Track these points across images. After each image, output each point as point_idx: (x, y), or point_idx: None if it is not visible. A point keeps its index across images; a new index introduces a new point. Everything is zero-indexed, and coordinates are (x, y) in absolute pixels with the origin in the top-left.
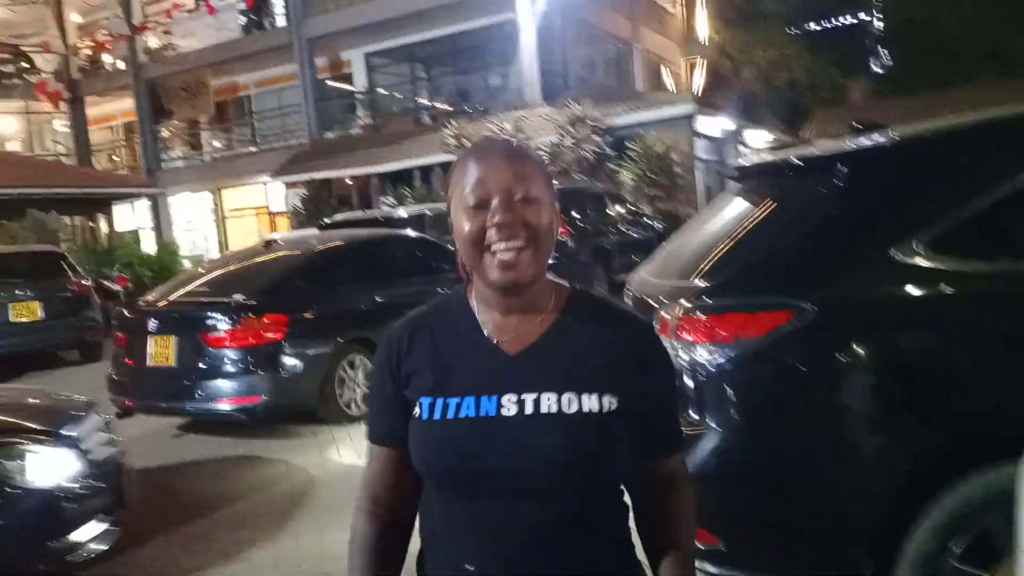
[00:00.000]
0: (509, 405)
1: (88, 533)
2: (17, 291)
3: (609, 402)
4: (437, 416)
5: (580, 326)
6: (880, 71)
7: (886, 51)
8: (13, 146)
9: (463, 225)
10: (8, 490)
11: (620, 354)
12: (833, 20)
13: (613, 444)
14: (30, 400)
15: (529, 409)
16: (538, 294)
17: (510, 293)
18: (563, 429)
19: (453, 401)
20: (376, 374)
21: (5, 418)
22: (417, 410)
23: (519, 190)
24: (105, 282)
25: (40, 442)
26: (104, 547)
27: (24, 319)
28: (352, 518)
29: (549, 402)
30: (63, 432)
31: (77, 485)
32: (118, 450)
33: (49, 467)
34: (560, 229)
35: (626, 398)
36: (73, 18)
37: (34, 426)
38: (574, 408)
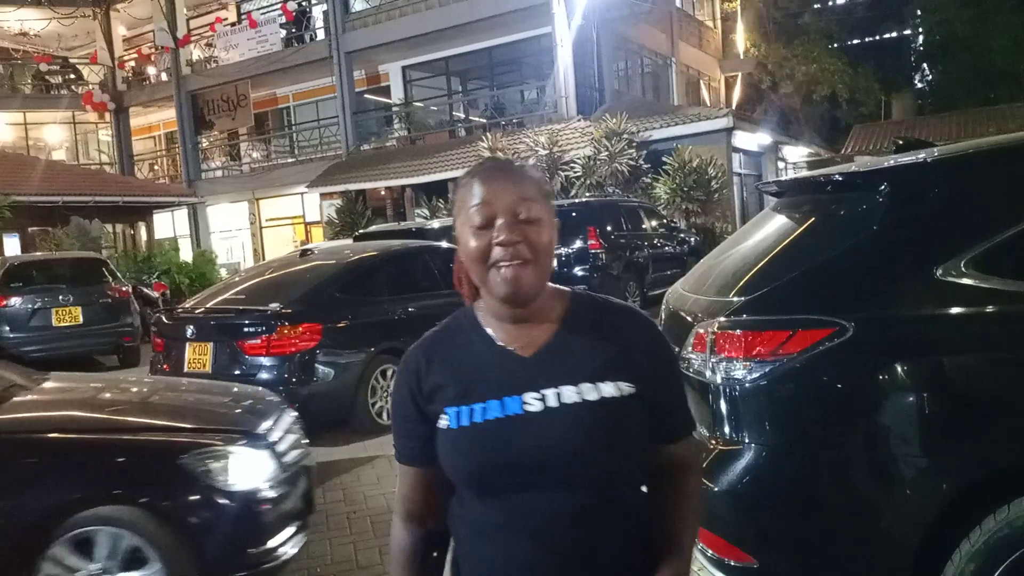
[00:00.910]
0: (532, 402)
1: (282, 538)
2: (60, 296)
3: (625, 387)
4: (465, 422)
5: (586, 323)
6: (923, 87)
7: (928, 67)
8: (59, 155)
9: (469, 242)
10: (213, 494)
11: (626, 342)
12: (875, 35)
13: (633, 427)
14: (224, 398)
15: (552, 402)
16: (543, 302)
17: (517, 305)
18: (585, 415)
19: (479, 407)
20: (398, 396)
21: (204, 418)
22: (444, 421)
23: (522, 210)
24: (144, 289)
25: (239, 443)
26: (294, 552)
27: (66, 324)
28: (391, 531)
29: (570, 393)
30: (259, 432)
31: (274, 488)
32: (305, 451)
33: (249, 469)
34: (592, 242)
35: (639, 382)
36: (120, 31)
37: (233, 427)
38: (594, 396)
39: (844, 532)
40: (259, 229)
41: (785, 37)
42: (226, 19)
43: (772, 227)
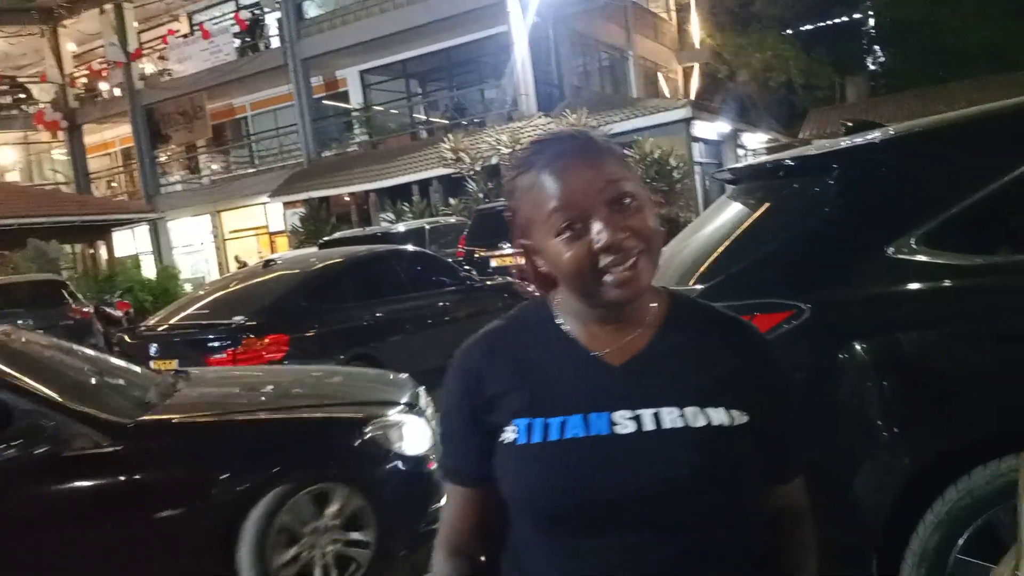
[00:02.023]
0: (623, 422)
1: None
2: (19, 321)
3: (738, 416)
4: (537, 439)
5: (690, 334)
6: (876, 69)
7: (881, 49)
8: (12, 176)
9: (562, 255)
10: (396, 460)
11: (739, 361)
12: (827, 20)
13: (746, 463)
14: (362, 378)
15: (649, 425)
16: (641, 300)
17: (624, 308)
18: (692, 445)
19: (555, 421)
20: (449, 403)
21: (362, 395)
22: (510, 434)
23: (615, 195)
24: (106, 308)
25: (405, 413)
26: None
27: None
28: (432, 566)
29: (672, 416)
30: (413, 403)
31: (434, 452)
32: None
33: (417, 436)
34: None
35: (753, 411)
36: (69, 47)
37: (391, 400)
38: (700, 422)
39: (813, 510)
40: (222, 242)
41: (739, 26)
42: (178, 31)
43: (729, 214)
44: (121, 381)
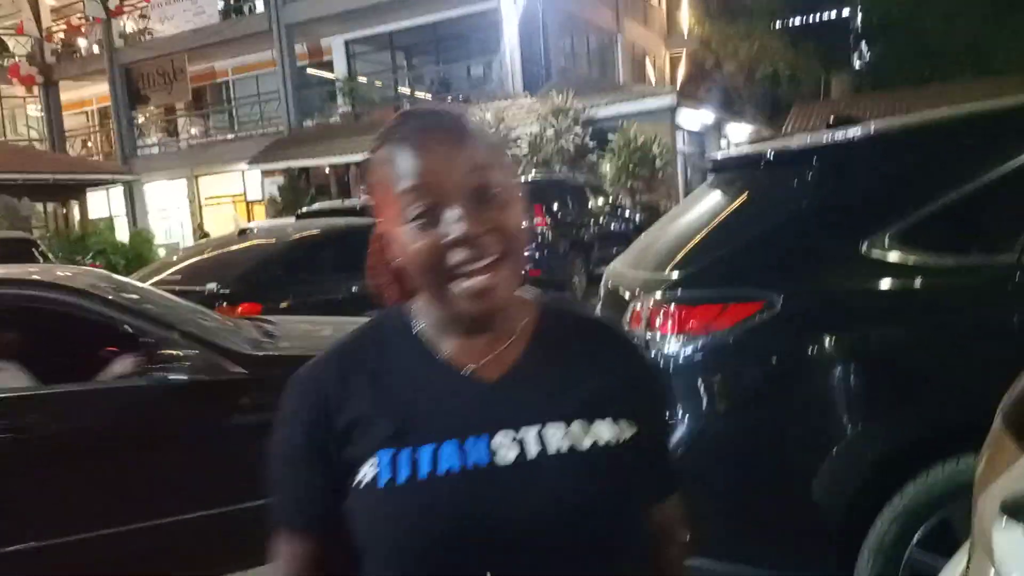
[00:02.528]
0: (505, 448)
1: None
2: None
3: (625, 429)
4: (404, 476)
5: (566, 343)
6: (860, 66)
7: (866, 46)
8: None
9: (410, 243)
10: None
11: (622, 372)
12: (815, 15)
13: (636, 481)
14: None
15: (533, 451)
16: (507, 309)
17: (481, 319)
18: (581, 470)
19: (426, 451)
20: (288, 439)
21: None
22: (370, 471)
23: (478, 184)
24: None
25: None
26: None
27: None
28: None
29: (557, 436)
30: None
31: None
32: None
33: None
34: (538, 220)
35: (640, 422)
36: (48, 0)
37: None
38: (588, 442)
39: (776, 502)
40: (199, 208)
41: (728, 15)
42: None
43: (708, 203)
44: (221, 321)
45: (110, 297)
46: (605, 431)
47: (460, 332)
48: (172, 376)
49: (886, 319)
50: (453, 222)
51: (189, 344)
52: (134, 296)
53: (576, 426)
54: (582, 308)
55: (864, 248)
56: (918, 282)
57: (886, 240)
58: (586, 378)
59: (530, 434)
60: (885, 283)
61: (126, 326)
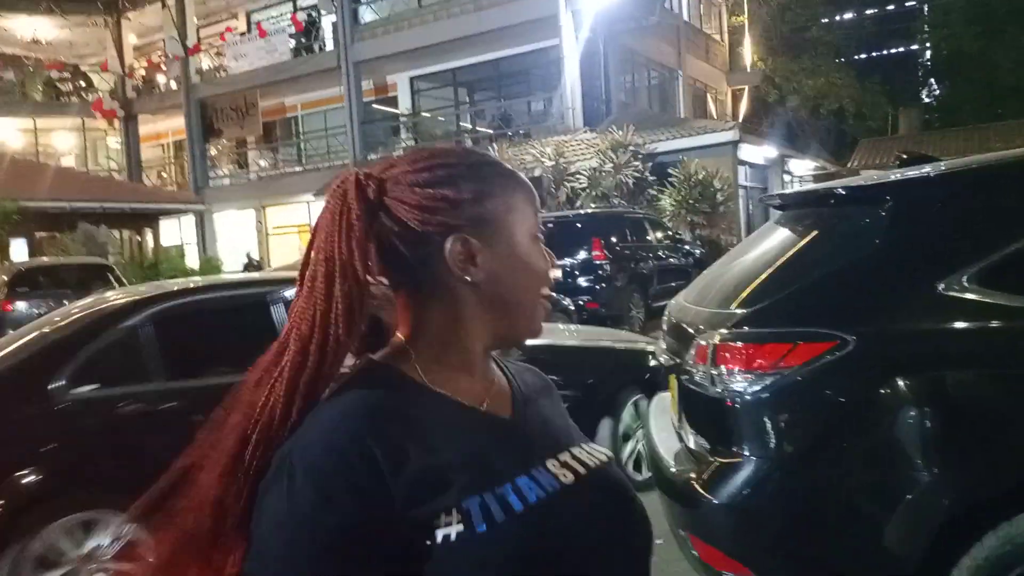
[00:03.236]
0: (559, 471)
1: None
2: (65, 301)
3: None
4: (501, 517)
5: (526, 383)
6: (930, 102)
7: (935, 82)
8: (68, 161)
9: (534, 259)
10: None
11: (562, 406)
12: (882, 50)
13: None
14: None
15: (581, 468)
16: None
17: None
18: (614, 474)
19: (506, 489)
20: (337, 514)
21: (620, 337)
22: (454, 526)
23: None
24: None
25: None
26: None
27: None
28: None
29: (584, 455)
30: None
31: None
32: None
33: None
34: (597, 253)
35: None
36: (130, 39)
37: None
38: (603, 457)
39: (844, 547)
40: (265, 237)
41: (792, 51)
42: (236, 28)
43: (775, 240)
44: None
45: None
46: (601, 449)
47: (470, 372)
48: None
49: (965, 361)
50: (551, 254)
51: None
52: None
53: (585, 446)
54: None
55: (942, 288)
56: (998, 324)
57: (964, 280)
58: (561, 412)
59: (568, 458)
60: (964, 324)
61: None
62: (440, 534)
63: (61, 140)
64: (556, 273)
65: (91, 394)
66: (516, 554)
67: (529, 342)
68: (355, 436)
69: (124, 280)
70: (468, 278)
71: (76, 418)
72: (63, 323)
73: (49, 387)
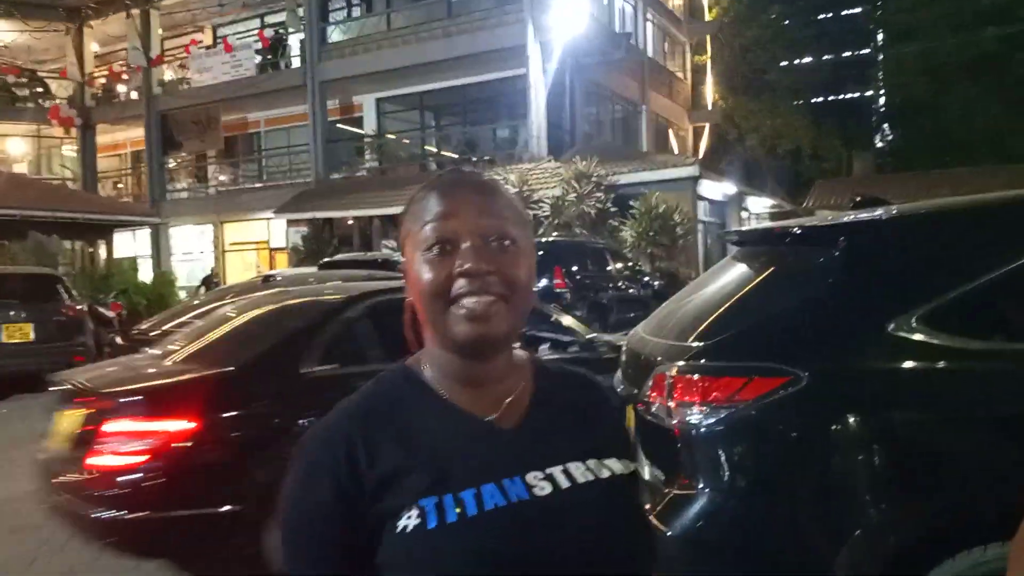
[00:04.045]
0: (539, 483)
1: None
2: (11, 312)
3: (627, 465)
4: (452, 517)
5: (561, 393)
6: (883, 147)
7: (889, 128)
8: (21, 168)
9: (422, 273)
10: None
11: (610, 418)
12: (839, 94)
13: (642, 510)
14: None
15: (564, 483)
16: (508, 362)
17: (478, 355)
18: (606, 495)
19: (468, 494)
20: (312, 492)
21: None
22: (412, 520)
23: (494, 232)
24: (99, 308)
25: None
26: None
27: (15, 340)
28: None
29: (579, 470)
30: None
31: None
32: None
33: None
34: (558, 281)
35: (633, 461)
36: (92, 47)
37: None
38: (605, 473)
39: None
40: (222, 253)
41: (753, 91)
42: (201, 42)
43: (733, 275)
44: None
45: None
46: (615, 465)
47: (466, 382)
48: (582, 354)
49: (911, 401)
50: (464, 255)
51: (575, 335)
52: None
53: (591, 463)
54: (565, 364)
55: (891, 328)
56: (944, 365)
57: (913, 321)
58: (587, 425)
59: (556, 471)
60: (911, 364)
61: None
62: (399, 525)
63: (14, 146)
64: (461, 281)
65: (331, 372)
66: (464, 552)
67: None
68: (345, 434)
69: (73, 292)
70: (410, 299)
71: (324, 392)
72: (297, 313)
73: (300, 369)
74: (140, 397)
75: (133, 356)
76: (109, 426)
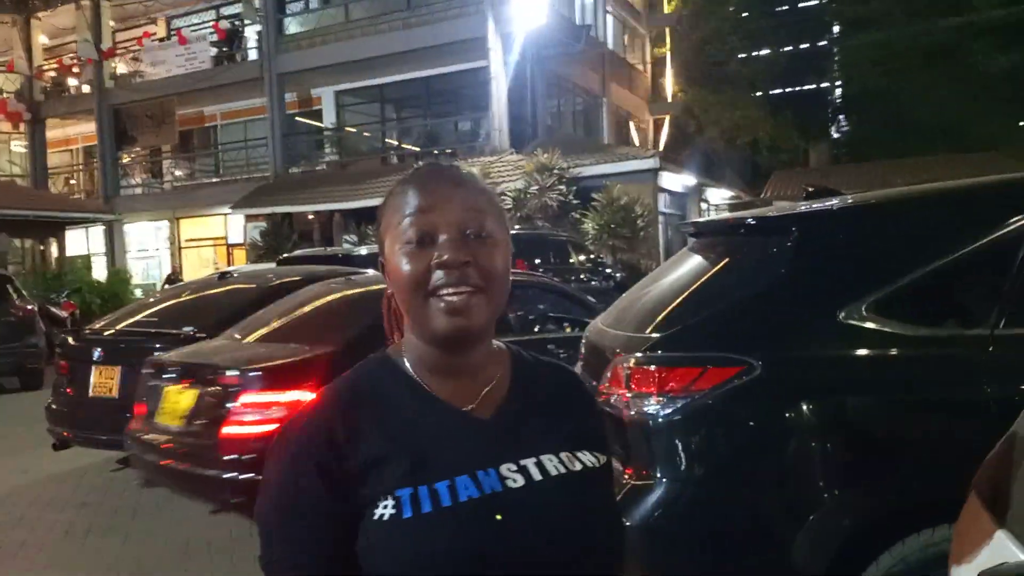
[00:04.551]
0: (512, 475)
1: None
2: None
3: (599, 457)
4: (427, 508)
5: (538, 384)
6: (839, 137)
7: (844, 118)
8: None
9: (401, 265)
10: None
11: (586, 411)
12: (795, 86)
13: (614, 502)
14: None
15: (536, 475)
16: (486, 353)
17: (456, 348)
18: (577, 488)
19: (442, 485)
20: (294, 478)
21: None
22: (387, 509)
23: (471, 225)
24: (52, 308)
25: None
26: None
27: None
28: None
29: (552, 463)
30: None
31: None
32: None
33: None
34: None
35: (605, 453)
36: (40, 40)
37: None
38: (578, 465)
39: (752, 565)
40: (178, 249)
41: (712, 83)
42: (154, 34)
43: (689, 266)
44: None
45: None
46: (587, 458)
47: (445, 373)
48: None
49: (862, 388)
50: (443, 247)
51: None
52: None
53: (564, 456)
54: (543, 356)
55: (842, 316)
56: (894, 352)
57: (863, 309)
58: (563, 416)
59: (529, 463)
60: (862, 352)
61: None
62: (376, 513)
63: None
64: (439, 272)
65: None
66: (438, 542)
67: None
68: (328, 418)
69: (23, 292)
70: (389, 292)
71: None
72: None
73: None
74: (271, 372)
75: (217, 339)
76: (246, 398)
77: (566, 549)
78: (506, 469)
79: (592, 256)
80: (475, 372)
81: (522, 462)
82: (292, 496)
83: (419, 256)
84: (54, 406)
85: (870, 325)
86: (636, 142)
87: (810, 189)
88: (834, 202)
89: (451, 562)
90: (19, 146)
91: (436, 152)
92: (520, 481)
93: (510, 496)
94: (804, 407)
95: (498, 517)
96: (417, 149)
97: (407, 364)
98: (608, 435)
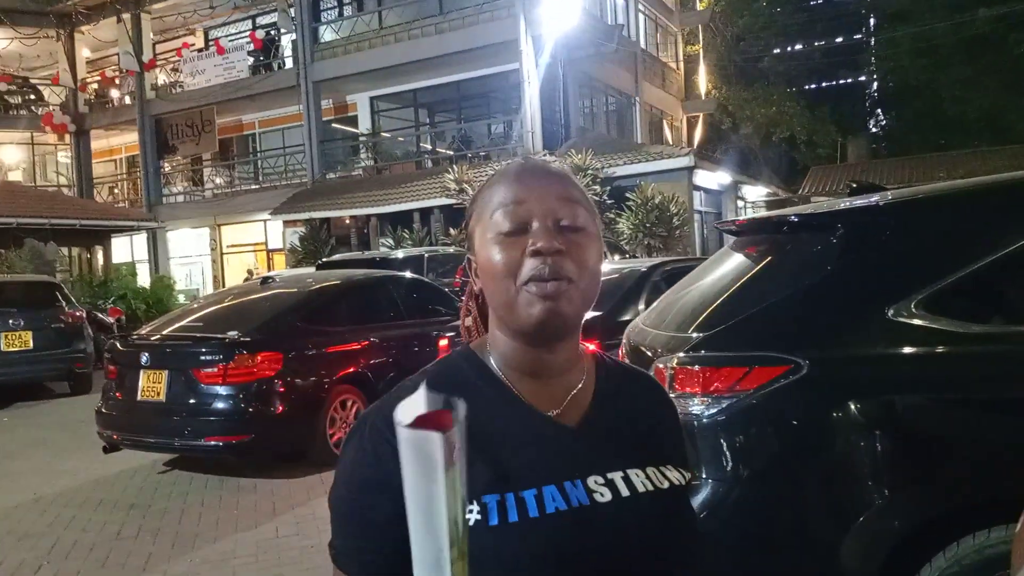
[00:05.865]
0: (599, 488)
1: None
2: (10, 321)
3: (684, 474)
4: (514, 517)
5: (621, 392)
6: (878, 132)
7: (883, 112)
8: (15, 176)
9: (493, 255)
10: None
11: (670, 423)
12: (832, 80)
13: (696, 521)
14: None
15: (624, 491)
16: (572, 352)
17: (545, 340)
18: (663, 508)
19: (529, 494)
20: (365, 478)
21: None
22: (474, 514)
23: (565, 215)
24: (99, 314)
25: None
26: None
27: (15, 349)
28: None
29: (639, 479)
30: None
31: None
32: None
33: None
34: None
35: (688, 469)
36: (84, 53)
37: None
38: (666, 483)
39: (799, 568)
40: (220, 255)
41: (745, 80)
42: (193, 45)
43: (731, 265)
44: None
45: None
46: (673, 475)
47: (531, 371)
48: None
49: (912, 386)
50: (536, 235)
51: None
52: None
53: (651, 471)
54: (623, 361)
55: (890, 314)
56: (944, 349)
57: (912, 306)
58: (649, 428)
59: (617, 477)
60: (911, 350)
61: None
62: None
63: (8, 154)
64: (532, 260)
65: None
66: (523, 553)
67: None
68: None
69: (72, 299)
70: (477, 288)
71: None
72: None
73: None
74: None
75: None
76: None
77: (650, 567)
78: (593, 482)
79: (628, 256)
80: (560, 374)
81: (609, 475)
82: (361, 493)
83: (512, 245)
84: (103, 410)
85: (919, 322)
86: (670, 141)
87: (854, 184)
88: (880, 198)
89: (535, 573)
90: (65, 157)
91: (470, 155)
92: (608, 496)
93: (597, 511)
94: (852, 407)
95: (583, 531)
96: (451, 153)
97: (492, 361)
98: (687, 452)
